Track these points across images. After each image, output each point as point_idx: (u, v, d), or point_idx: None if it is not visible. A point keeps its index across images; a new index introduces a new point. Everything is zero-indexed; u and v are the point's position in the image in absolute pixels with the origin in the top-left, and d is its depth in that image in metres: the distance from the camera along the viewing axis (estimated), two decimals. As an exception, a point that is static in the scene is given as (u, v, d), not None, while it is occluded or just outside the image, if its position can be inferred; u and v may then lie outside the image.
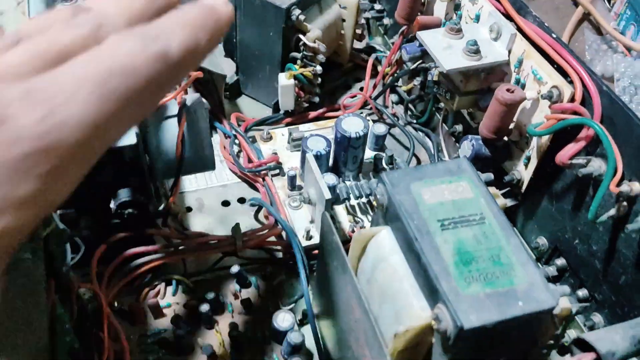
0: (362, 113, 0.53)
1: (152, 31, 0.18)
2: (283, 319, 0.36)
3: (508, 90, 0.36)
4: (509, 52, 0.38)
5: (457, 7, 0.43)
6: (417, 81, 0.51)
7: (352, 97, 0.54)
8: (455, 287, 0.26)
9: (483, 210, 0.30)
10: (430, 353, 0.29)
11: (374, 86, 0.53)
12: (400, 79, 0.52)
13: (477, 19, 0.41)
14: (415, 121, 0.53)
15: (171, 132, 0.35)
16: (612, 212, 0.32)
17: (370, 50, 0.59)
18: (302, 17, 0.48)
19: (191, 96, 0.36)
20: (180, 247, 0.38)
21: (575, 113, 0.33)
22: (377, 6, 0.58)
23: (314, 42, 0.49)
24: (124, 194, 0.34)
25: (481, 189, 0.30)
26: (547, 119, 0.34)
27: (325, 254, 0.34)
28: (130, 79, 0.17)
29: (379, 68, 0.54)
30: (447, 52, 0.37)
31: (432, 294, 0.27)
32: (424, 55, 0.48)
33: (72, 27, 0.18)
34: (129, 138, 0.32)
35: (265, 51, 0.51)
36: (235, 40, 0.52)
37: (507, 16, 0.38)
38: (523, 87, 0.38)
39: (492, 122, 0.37)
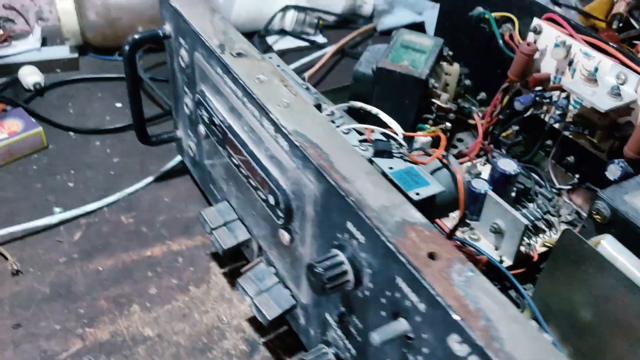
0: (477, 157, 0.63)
1: None
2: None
3: (652, 119, 0.47)
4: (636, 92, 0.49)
5: (571, 62, 0.55)
6: (515, 127, 0.63)
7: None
8: None
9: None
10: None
11: (483, 134, 0.64)
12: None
13: (596, 70, 0.52)
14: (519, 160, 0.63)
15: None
16: None
17: (459, 108, 0.70)
18: (436, 85, 0.59)
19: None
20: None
21: None
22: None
23: (446, 103, 0.59)
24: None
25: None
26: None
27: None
28: None
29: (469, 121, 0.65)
30: (595, 97, 0.48)
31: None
32: (535, 104, 0.59)
33: None
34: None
35: (398, 116, 0.61)
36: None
37: (624, 64, 0.50)
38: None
39: (637, 146, 0.48)
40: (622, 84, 0.49)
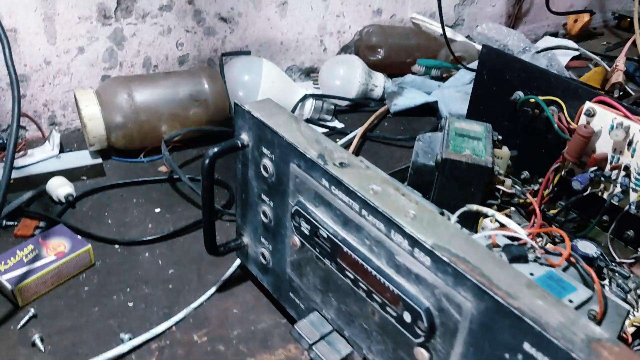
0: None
1: None
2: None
3: None
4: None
5: (630, 142, 0.57)
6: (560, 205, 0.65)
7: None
8: None
9: None
10: None
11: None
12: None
13: (658, 146, 0.54)
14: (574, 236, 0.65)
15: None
16: None
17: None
18: (501, 171, 0.60)
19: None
20: None
21: None
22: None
23: (510, 188, 0.60)
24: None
25: None
26: None
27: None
28: None
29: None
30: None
31: None
32: (592, 182, 0.61)
33: None
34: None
35: (463, 204, 0.61)
36: (431, 200, 0.62)
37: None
38: None
39: None
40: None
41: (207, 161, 0.51)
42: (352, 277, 0.43)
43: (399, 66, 1.05)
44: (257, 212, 0.54)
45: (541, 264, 0.39)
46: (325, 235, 0.45)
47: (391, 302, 0.40)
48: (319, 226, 0.45)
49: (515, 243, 0.41)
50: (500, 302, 0.33)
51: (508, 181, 0.60)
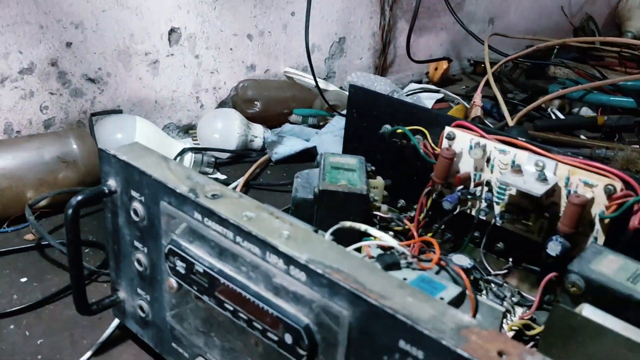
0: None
1: None
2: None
3: (577, 196, 0.54)
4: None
5: (488, 160, 0.62)
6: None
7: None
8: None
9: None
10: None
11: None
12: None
13: (513, 163, 0.59)
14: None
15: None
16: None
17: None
18: (376, 198, 0.62)
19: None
20: None
21: (626, 196, 0.53)
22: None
23: (387, 214, 0.62)
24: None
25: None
26: (611, 205, 0.53)
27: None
28: None
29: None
30: (528, 185, 0.54)
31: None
32: (461, 201, 0.65)
33: None
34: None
35: (343, 233, 0.62)
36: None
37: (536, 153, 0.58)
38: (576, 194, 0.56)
39: (570, 221, 0.54)
40: (541, 171, 0.57)
41: (70, 211, 0.48)
42: (231, 308, 0.42)
43: (276, 118, 1.08)
44: (131, 261, 0.51)
45: (413, 269, 0.40)
46: (201, 271, 0.43)
47: (272, 327, 0.39)
48: (194, 262, 0.43)
49: (389, 252, 0.42)
50: (374, 304, 0.33)
51: (384, 207, 0.62)
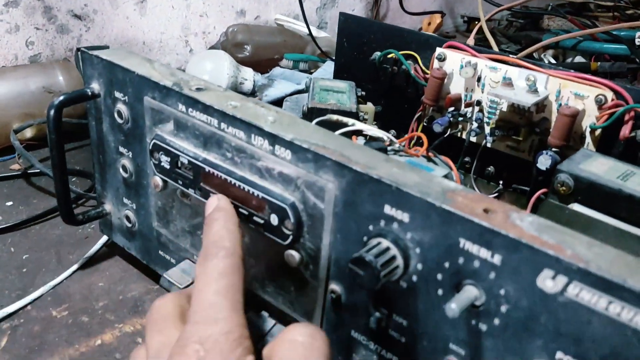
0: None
1: (214, 245, 0.33)
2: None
3: (568, 108, 0.53)
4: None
5: (479, 79, 0.61)
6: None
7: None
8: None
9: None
10: None
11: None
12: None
13: (505, 79, 0.58)
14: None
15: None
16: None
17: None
18: (366, 117, 0.61)
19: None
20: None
21: (617, 106, 0.52)
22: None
23: (378, 132, 0.62)
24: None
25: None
26: (602, 116, 0.52)
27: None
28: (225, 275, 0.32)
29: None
30: (518, 97, 0.54)
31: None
32: (451, 124, 0.64)
33: None
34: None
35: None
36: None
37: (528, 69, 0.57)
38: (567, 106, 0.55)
39: (561, 133, 0.53)
40: (532, 84, 0.56)
41: (52, 111, 0.47)
42: (216, 198, 0.41)
43: (266, 63, 1.06)
44: (117, 170, 0.51)
45: (401, 156, 0.39)
46: (186, 162, 0.42)
47: (257, 210, 0.38)
48: (179, 153, 0.42)
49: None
50: (360, 172, 0.33)
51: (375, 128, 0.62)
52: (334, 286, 0.37)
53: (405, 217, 0.32)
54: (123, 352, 0.46)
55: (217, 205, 0.37)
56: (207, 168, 0.41)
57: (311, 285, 0.38)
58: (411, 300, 0.33)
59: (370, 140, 0.42)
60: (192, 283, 0.45)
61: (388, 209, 0.32)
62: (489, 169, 0.64)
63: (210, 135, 0.40)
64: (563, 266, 0.26)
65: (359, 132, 0.46)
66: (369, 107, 0.66)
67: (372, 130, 0.43)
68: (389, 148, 0.40)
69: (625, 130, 0.52)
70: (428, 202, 0.30)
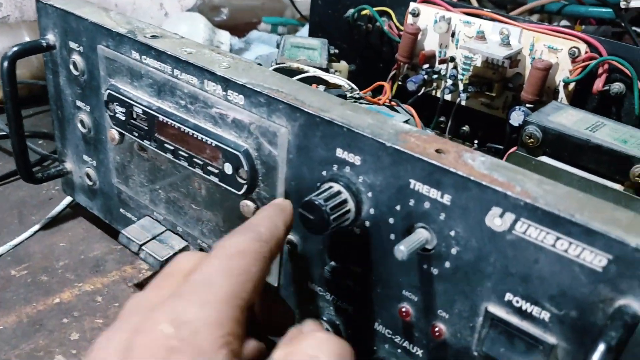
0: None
1: (249, 225, 0.28)
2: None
3: (541, 61, 0.52)
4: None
5: (453, 34, 0.59)
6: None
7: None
8: None
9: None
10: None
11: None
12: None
13: (478, 32, 0.57)
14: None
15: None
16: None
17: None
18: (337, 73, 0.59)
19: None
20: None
21: (591, 59, 0.51)
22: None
23: (350, 91, 0.60)
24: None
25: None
26: (575, 69, 0.51)
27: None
28: (243, 256, 0.26)
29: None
30: (491, 50, 0.52)
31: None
32: (426, 82, 0.63)
33: None
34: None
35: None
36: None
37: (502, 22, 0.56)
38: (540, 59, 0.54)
39: (534, 87, 0.52)
40: (505, 37, 0.55)
41: (5, 63, 0.46)
42: (172, 148, 0.40)
43: (244, 27, 1.04)
44: (75, 126, 0.49)
45: (361, 103, 0.38)
46: (140, 112, 0.41)
47: (212, 160, 0.37)
48: (133, 103, 0.41)
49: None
50: (312, 114, 0.32)
51: (344, 83, 0.60)
52: (290, 236, 0.36)
53: (357, 160, 0.30)
54: (82, 310, 0.45)
55: (275, 200, 0.34)
56: (161, 117, 0.39)
57: (268, 237, 0.37)
58: (365, 247, 0.32)
59: (331, 88, 0.40)
60: (151, 239, 0.44)
61: (340, 152, 0.31)
62: (464, 128, 0.63)
63: (164, 82, 0.39)
64: (511, 203, 0.26)
65: (322, 81, 0.45)
66: (342, 65, 0.64)
67: (333, 77, 0.42)
68: (348, 95, 0.39)
69: (598, 84, 0.51)
70: (379, 143, 0.29)
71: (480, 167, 0.28)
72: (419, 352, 0.32)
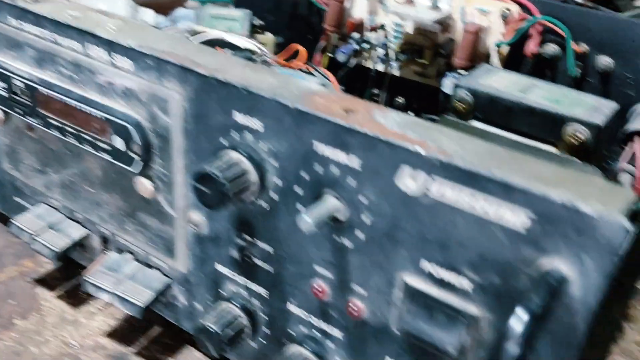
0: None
1: None
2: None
3: (472, 25, 0.49)
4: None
5: (381, 1, 0.56)
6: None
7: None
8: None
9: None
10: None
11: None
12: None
13: (407, -3, 0.54)
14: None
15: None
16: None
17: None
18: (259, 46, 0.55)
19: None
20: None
21: (523, 20, 0.48)
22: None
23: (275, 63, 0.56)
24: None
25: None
26: (508, 31, 0.49)
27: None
28: None
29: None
30: (420, 14, 0.49)
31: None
32: (356, 52, 0.59)
33: None
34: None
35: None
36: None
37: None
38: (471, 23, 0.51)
39: (466, 52, 0.50)
40: (435, 2, 0.52)
41: None
42: (58, 124, 0.35)
43: (170, 5, 0.98)
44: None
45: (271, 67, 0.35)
46: (22, 86, 0.36)
47: (101, 134, 0.33)
48: (12, 75, 0.36)
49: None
50: (205, 76, 0.28)
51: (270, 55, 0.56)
52: (195, 216, 0.32)
53: (258, 124, 0.27)
54: (-26, 311, 0.40)
55: None
56: (44, 90, 0.34)
57: (170, 217, 0.33)
58: (273, 222, 0.29)
59: (238, 51, 0.37)
60: (47, 229, 0.39)
61: (240, 117, 0.27)
62: (399, 99, 0.60)
63: (45, 50, 0.34)
64: (423, 161, 0.22)
65: (231, 47, 0.41)
66: (268, 37, 0.60)
67: (238, 39, 0.38)
68: (258, 59, 0.35)
69: (531, 46, 0.49)
70: (281, 104, 0.26)
71: (393, 126, 0.24)
72: (338, 334, 0.28)
